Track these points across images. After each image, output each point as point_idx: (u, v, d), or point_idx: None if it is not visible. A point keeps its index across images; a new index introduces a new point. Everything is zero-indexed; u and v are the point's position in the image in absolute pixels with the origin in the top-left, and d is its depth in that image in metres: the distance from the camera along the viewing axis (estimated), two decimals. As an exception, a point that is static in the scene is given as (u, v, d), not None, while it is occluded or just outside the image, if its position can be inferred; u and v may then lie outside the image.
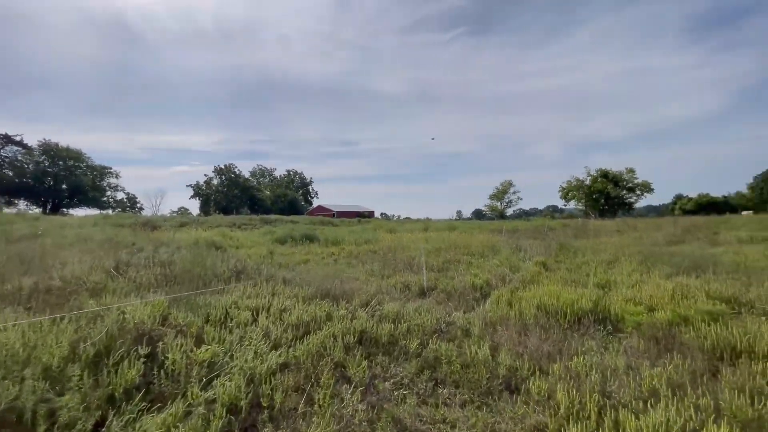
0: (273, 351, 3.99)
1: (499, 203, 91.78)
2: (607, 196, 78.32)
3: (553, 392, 3.51)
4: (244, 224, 45.40)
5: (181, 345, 3.74)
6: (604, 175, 79.68)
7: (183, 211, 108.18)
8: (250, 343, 4.02)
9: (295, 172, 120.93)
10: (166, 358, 3.55)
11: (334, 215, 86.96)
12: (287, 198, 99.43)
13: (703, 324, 4.60)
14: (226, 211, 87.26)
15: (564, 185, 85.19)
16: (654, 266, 8.48)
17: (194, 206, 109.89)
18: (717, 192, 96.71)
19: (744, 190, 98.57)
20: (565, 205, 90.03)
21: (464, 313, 6.45)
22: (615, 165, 79.70)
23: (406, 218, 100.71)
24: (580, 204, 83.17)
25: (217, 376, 3.45)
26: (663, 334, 4.61)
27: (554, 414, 3.18)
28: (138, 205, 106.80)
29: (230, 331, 4.34)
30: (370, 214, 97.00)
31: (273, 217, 54.94)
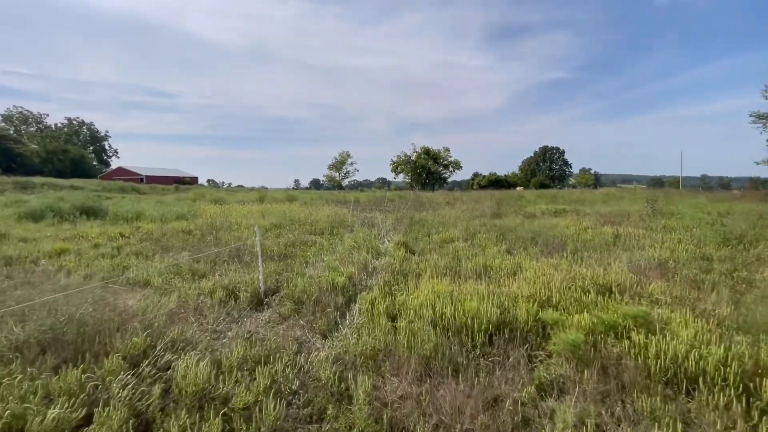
0: None
1: (337, 174, 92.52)
2: (428, 171, 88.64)
3: None
4: (-20, 190, 30.76)
5: None
6: (426, 152, 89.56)
7: None
8: None
9: (82, 122, 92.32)
10: None
11: (142, 180, 70.57)
12: (68, 156, 74.79)
13: (633, 333, 3.61)
14: (-46, 169, 59.05)
15: (394, 159, 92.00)
16: (514, 244, 8.14)
17: None
18: (500, 171, 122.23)
19: (516, 170, 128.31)
20: (395, 178, 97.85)
21: (325, 339, 4.17)
22: (433, 144, 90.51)
23: (239, 187, 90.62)
24: (407, 177, 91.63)
25: None
26: (601, 356, 3.41)
27: None
28: None
29: None
30: (193, 181, 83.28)
31: (39, 180, 39.57)
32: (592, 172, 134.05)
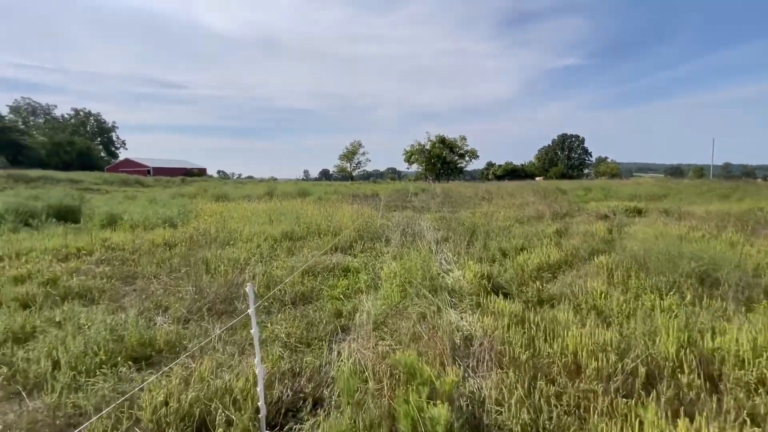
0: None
1: (348, 164, 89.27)
2: (444, 160, 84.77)
3: None
4: (-30, 184, 28.49)
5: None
6: (442, 141, 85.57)
7: None
8: None
9: (89, 113, 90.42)
10: None
11: (149, 172, 68.52)
12: (75, 147, 72.91)
13: None
14: (-40, 162, 57.49)
15: (408, 149, 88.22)
16: (674, 280, 5.04)
17: None
18: (513, 160, 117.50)
19: (533, 159, 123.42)
20: (407, 168, 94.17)
21: None
22: (444, 133, 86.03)
23: (248, 178, 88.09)
24: (421, 167, 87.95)
25: None
26: None
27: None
28: None
29: None
30: (202, 172, 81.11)
31: (36, 173, 37.25)
32: (609, 160, 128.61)
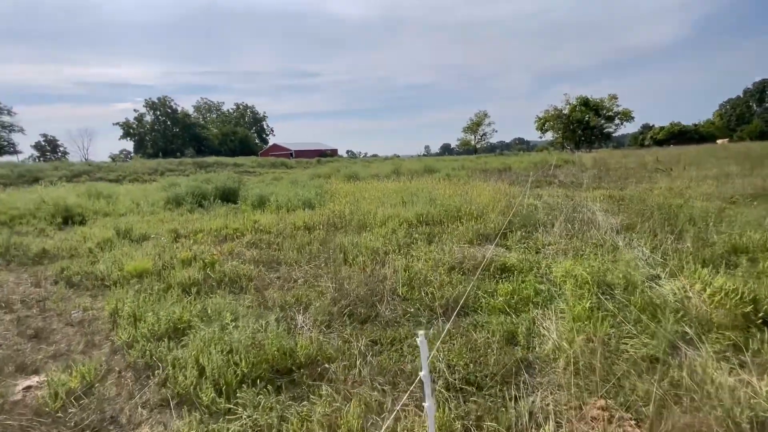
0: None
1: (473, 136, 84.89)
2: (586, 125, 73.13)
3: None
4: (169, 170, 36.32)
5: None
6: (584, 103, 73.63)
7: (125, 155, 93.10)
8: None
9: (246, 106, 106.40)
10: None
11: (291, 155, 77.37)
12: (237, 136, 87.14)
13: None
14: (166, 153, 75.00)
15: (541, 115, 78.76)
16: None
17: (131, 148, 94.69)
18: (682, 120, 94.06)
19: (711, 117, 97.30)
20: (540, 137, 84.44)
21: None
22: (588, 94, 72.73)
23: (373, 156, 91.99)
24: (557, 135, 77.86)
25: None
26: None
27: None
28: (61, 149, 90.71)
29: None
30: (333, 153, 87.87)
31: (211, 159, 45.36)
32: None
